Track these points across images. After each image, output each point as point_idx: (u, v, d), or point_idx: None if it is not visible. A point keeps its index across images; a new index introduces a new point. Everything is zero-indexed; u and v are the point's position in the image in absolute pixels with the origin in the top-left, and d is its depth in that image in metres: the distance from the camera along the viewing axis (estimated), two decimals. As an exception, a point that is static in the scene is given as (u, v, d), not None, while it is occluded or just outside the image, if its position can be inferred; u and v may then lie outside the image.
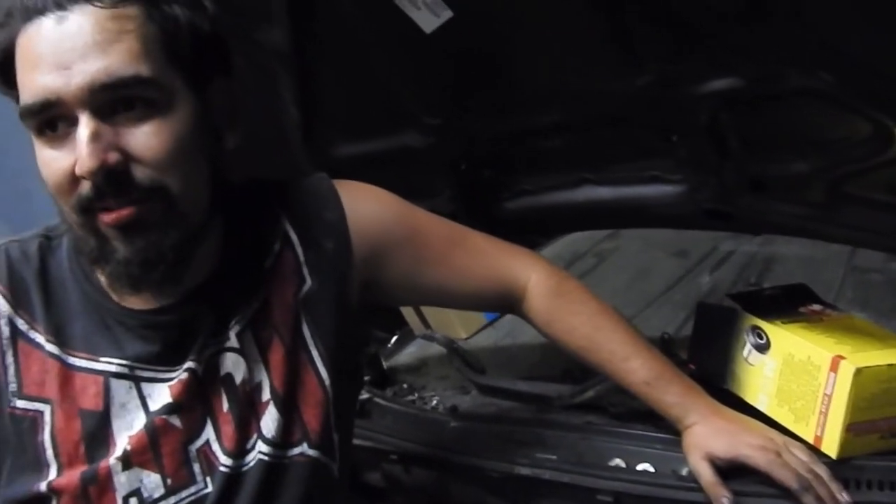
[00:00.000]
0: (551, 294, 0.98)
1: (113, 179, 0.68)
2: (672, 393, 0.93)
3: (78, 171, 0.68)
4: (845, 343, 0.90)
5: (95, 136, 0.68)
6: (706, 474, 0.87)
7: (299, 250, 0.86)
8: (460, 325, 1.73)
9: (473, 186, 1.22)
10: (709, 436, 0.89)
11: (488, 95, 1.07)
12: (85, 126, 0.68)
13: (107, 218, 0.70)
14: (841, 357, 0.87)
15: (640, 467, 0.97)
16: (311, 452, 0.82)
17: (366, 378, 1.43)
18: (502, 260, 0.99)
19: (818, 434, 0.89)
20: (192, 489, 0.76)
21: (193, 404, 0.77)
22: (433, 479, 1.24)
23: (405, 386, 1.48)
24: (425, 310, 1.83)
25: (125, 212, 0.70)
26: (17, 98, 0.72)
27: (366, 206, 0.91)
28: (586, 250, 1.90)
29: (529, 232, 1.30)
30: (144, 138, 0.70)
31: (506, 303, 1.00)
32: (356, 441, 1.30)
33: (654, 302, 1.52)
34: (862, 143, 0.90)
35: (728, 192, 0.99)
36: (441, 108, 1.08)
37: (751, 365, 0.99)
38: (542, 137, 1.07)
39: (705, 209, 1.03)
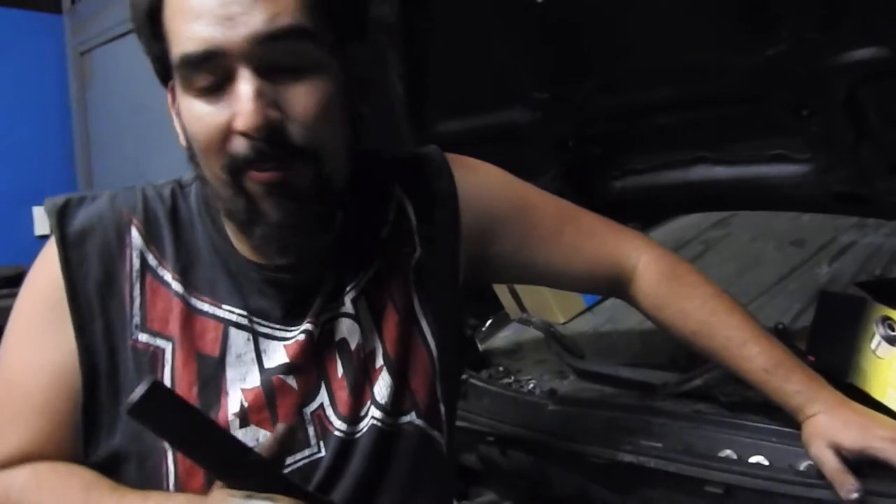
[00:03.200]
0: (663, 277, 0.94)
1: (273, 137, 0.68)
2: (793, 381, 0.87)
3: (242, 126, 0.68)
4: None
5: (260, 94, 0.68)
6: (831, 462, 0.81)
7: (413, 219, 0.86)
8: (558, 309, 1.70)
9: (581, 165, 1.19)
10: (835, 426, 0.83)
11: (600, 69, 1.03)
12: (248, 82, 0.68)
13: (258, 177, 0.69)
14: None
15: (752, 460, 0.92)
16: (419, 422, 0.82)
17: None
18: (613, 240, 0.96)
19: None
20: (307, 452, 0.77)
21: (309, 367, 0.78)
22: (531, 463, 1.22)
23: (501, 369, 1.47)
24: (521, 293, 1.82)
25: (278, 172, 0.69)
26: (157, 52, 0.73)
27: (476, 179, 0.90)
28: (693, 237, 1.82)
29: (639, 213, 1.26)
30: (302, 97, 0.70)
31: (614, 285, 0.97)
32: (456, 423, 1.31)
33: (766, 292, 1.44)
34: None
35: (864, 173, 0.92)
36: (550, 82, 1.06)
37: (880, 358, 0.92)
38: (657, 115, 1.02)
39: (836, 192, 0.96)
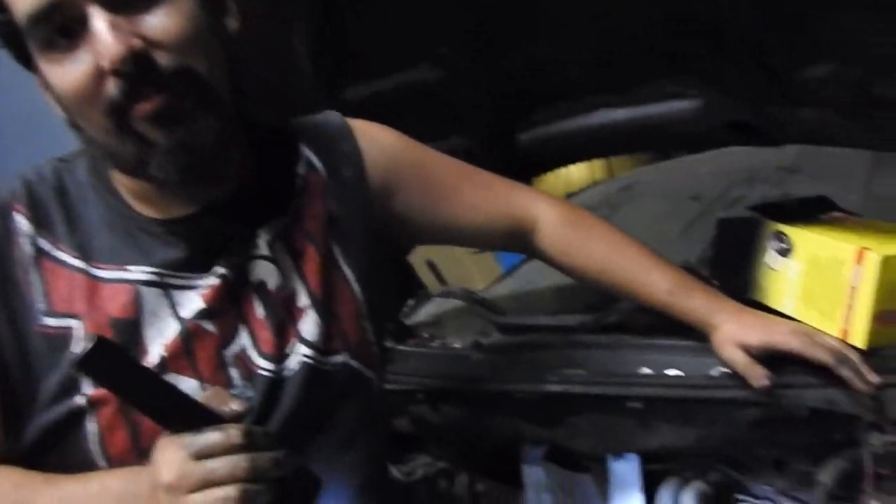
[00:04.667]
0: (563, 223, 0.99)
1: (141, 66, 0.67)
2: (696, 298, 0.94)
3: (107, 62, 0.67)
4: (868, 238, 0.91)
5: (115, 26, 0.67)
6: (742, 359, 0.88)
7: (323, 175, 0.88)
8: (478, 276, 1.75)
9: (489, 120, 1.23)
10: (740, 329, 0.90)
11: (505, 23, 1.07)
12: (100, 18, 0.67)
13: (141, 109, 0.69)
14: (866, 249, 0.88)
15: (668, 372, 0.98)
16: (353, 363, 0.83)
17: (387, 332, 1.45)
18: (511, 193, 1.00)
19: (845, 327, 0.90)
20: (233, 393, 0.77)
21: (226, 309, 0.78)
22: (463, 415, 1.25)
23: (426, 335, 1.49)
24: (443, 267, 1.85)
25: (158, 99, 0.69)
26: (6, 30, 0.71)
27: (374, 139, 0.92)
28: (598, 203, 1.91)
29: (544, 164, 1.31)
30: (160, 22, 0.69)
31: (518, 237, 1.01)
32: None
33: (670, 244, 1.53)
34: (892, 44, 0.91)
35: (749, 102, 0.99)
36: (455, 37, 1.09)
37: (775, 271, 1.00)
38: (564, 64, 1.07)
39: (727, 122, 1.03)
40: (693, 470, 1.01)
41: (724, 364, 0.92)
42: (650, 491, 1.03)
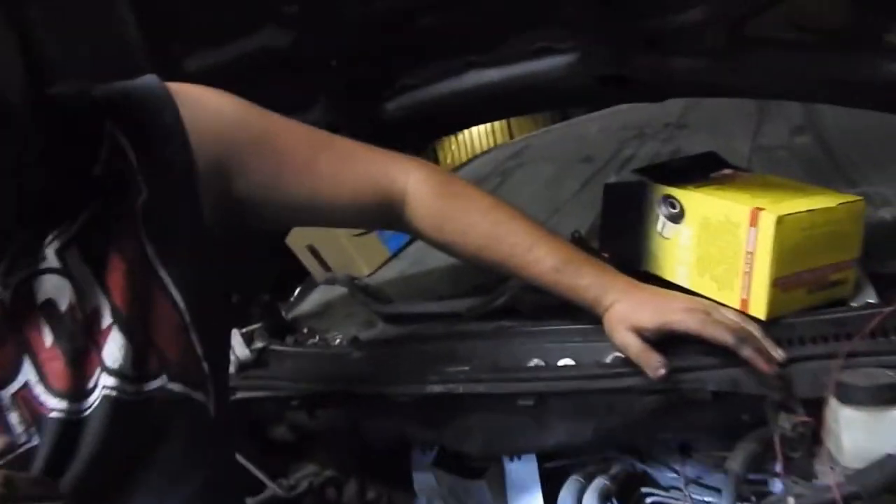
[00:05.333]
0: (437, 195, 0.87)
1: None
2: (585, 275, 0.84)
3: None
4: (762, 197, 0.83)
5: None
6: (635, 345, 0.78)
7: (132, 157, 0.72)
8: (362, 261, 1.61)
9: (350, 88, 1.08)
10: (632, 309, 0.80)
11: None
12: None
13: None
14: (760, 209, 0.79)
15: (560, 363, 0.87)
16: (174, 387, 0.68)
17: (261, 327, 1.31)
18: (377, 163, 0.87)
19: (744, 297, 0.82)
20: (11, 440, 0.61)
21: (2, 339, 0.62)
22: (341, 419, 1.12)
23: (306, 331, 1.35)
24: (324, 252, 1.70)
25: None
26: None
27: (204, 106, 0.77)
28: (489, 171, 1.80)
29: (417, 133, 1.18)
30: None
31: (386, 212, 0.87)
32: (255, 394, 1.18)
33: (561, 208, 1.43)
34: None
35: (621, 52, 0.89)
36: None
37: (666, 238, 0.91)
38: (418, 18, 0.94)
39: (599, 76, 0.93)
40: (594, 464, 0.92)
41: (617, 349, 0.82)
42: (551, 491, 0.93)
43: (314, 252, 1.70)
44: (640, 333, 0.79)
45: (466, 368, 0.91)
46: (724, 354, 0.78)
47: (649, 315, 0.79)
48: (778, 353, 0.76)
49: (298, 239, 1.70)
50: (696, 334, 0.77)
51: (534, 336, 0.91)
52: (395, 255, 1.60)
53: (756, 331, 0.77)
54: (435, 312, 1.13)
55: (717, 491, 0.86)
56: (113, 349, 0.65)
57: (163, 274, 0.70)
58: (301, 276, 1.72)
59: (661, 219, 0.91)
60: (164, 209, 0.72)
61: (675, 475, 0.89)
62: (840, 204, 0.81)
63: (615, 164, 1.59)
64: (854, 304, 0.83)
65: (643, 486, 0.90)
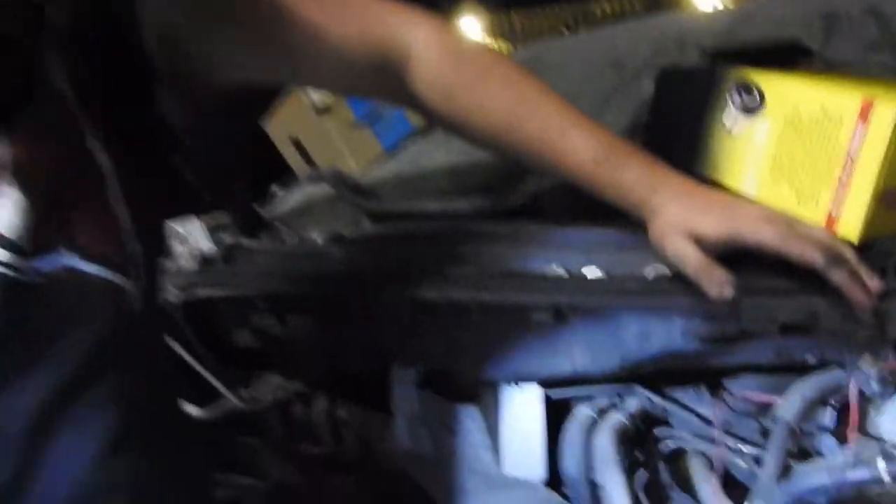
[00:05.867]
0: (450, 57, 0.68)
1: None
2: (632, 169, 0.66)
3: None
4: (871, 88, 0.65)
5: None
6: (693, 256, 0.62)
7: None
8: (352, 158, 1.43)
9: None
10: (691, 214, 0.63)
11: None
12: None
13: None
14: (872, 101, 0.61)
15: (589, 274, 0.71)
16: (86, 266, 0.50)
17: (231, 222, 1.13)
18: (377, 13, 0.68)
19: (833, 213, 0.65)
20: None
21: None
22: (314, 326, 0.96)
23: (284, 229, 1.17)
24: (310, 145, 1.52)
25: None
26: None
27: None
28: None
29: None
30: None
31: (384, 74, 0.68)
32: (216, 291, 1.00)
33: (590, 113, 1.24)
34: None
35: None
36: None
37: (734, 135, 0.73)
38: None
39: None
40: (606, 395, 0.76)
41: (667, 262, 0.66)
42: (552, 424, 0.77)
43: (298, 145, 1.51)
44: (701, 243, 0.62)
45: (472, 271, 0.74)
46: (801, 279, 0.61)
47: (714, 221, 0.62)
48: (876, 283, 0.59)
49: (281, 128, 1.52)
50: (773, 249, 0.60)
51: (557, 241, 0.74)
52: (389, 154, 1.41)
53: (849, 253, 0.60)
54: (435, 211, 0.96)
55: (750, 443, 0.70)
56: (6, 211, 0.47)
57: (86, 128, 0.51)
58: (282, 174, 1.54)
59: (733, 110, 0.73)
60: (68, 29, 0.52)
61: (698, 419, 0.73)
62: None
63: (650, 73, 1.39)
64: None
65: (663, 426, 0.75)
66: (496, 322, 0.73)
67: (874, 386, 0.58)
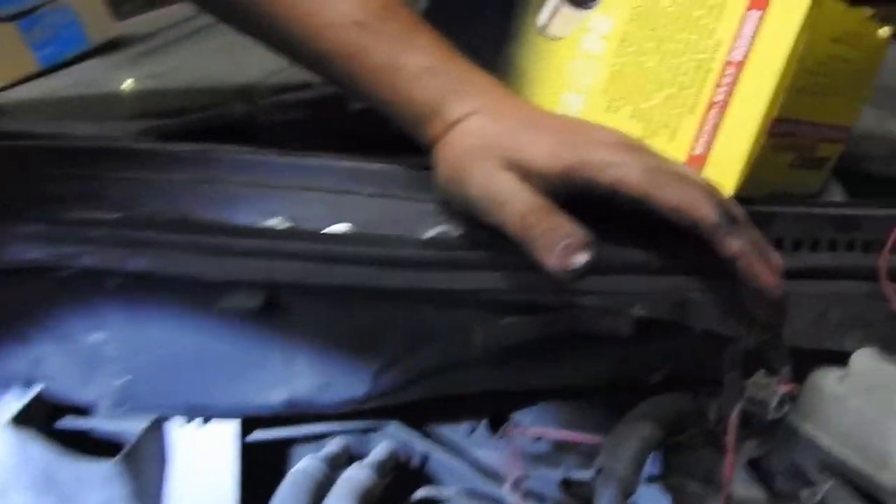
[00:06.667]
0: None
1: None
2: (418, 48, 0.39)
3: None
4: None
5: None
6: (520, 198, 0.35)
7: None
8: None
9: None
10: (514, 132, 0.37)
11: None
12: None
13: None
14: (771, -21, 0.40)
15: (327, 230, 0.41)
16: None
17: None
18: None
19: (697, 151, 0.43)
20: None
21: None
22: None
23: None
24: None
25: None
26: None
27: None
28: None
29: None
30: None
31: None
32: None
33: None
34: None
35: None
36: None
37: (553, 39, 0.48)
38: None
39: None
40: (343, 436, 0.47)
41: (464, 209, 0.39)
42: (255, 484, 0.46)
43: None
44: (531, 179, 0.36)
45: (112, 218, 0.40)
46: (663, 244, 0.38)
47: (549, 146, 0.37)
48: (776, 257, 0.37)
49: None
50: (636, 194, 0.36)
51: (278, 173, 0.43)
52: (48, 71, 0.99)
53: (738, 209, 0.38)
54: (88, 136, 0.59)
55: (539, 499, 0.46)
56: None
57: None
58: None
59: (551, 3, 0.48)
60: None
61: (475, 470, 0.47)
62: (870, 18, 0.45)
63: None
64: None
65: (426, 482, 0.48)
66: (155, 309, 0.41)
67: (769, 414, 0.37)
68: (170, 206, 0.43)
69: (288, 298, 0.41)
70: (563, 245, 0.33)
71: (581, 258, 0.32)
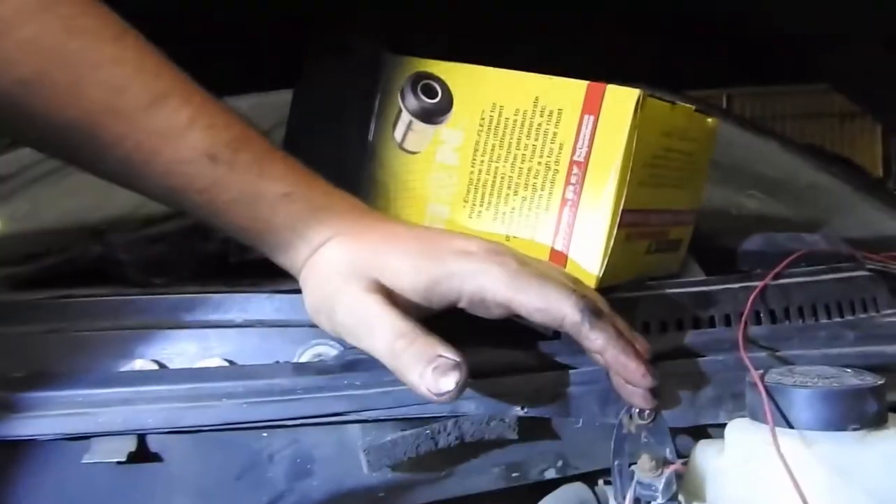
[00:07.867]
0: None
1: None
2: (276, 177, 0.39)
3: None
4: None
5: None
6: (389, 321, 0.35)
7: None
8: None
9: None
10: (378, 254, 0.38)
11: None
12: None
13: None
14: (603, 84, 0.44)
15: (202, 363, 0.39)
16: None
17: None
18: None
19: (557, 247, 0.45)
20: None
21: None
22: None
23: None
24: None
25: None
26: None
27: None
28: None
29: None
30: None
31: None
32: None
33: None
34: None
35: None
36: None
37: (411, 153, 0.50)
38: None
39: None
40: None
41: (335, 334, 0.38)
42: None
43: None
44: (397, 302, 0.36)
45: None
46: (530, 345, 0.39)
47: (413, 263, 0.37)
48: (642, 343, 0.39)
49: None
50: (500, 301, 0.37)
51: (141, 314, 0.42)
52: None
53: (601, 302, 0.40)
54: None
55: None
56: None
57: None
58: None
59: (406, 118, 0.50)
60: None
61: None
62: (696, 110, 0.50)
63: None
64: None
65: None
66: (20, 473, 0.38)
67: (660, 496, 0.37)
68: (25, 361, 0.40)
69: (160, 442, 0.38)
70: (431, 369, 0.33)
71: (451, 381, 0.33)
